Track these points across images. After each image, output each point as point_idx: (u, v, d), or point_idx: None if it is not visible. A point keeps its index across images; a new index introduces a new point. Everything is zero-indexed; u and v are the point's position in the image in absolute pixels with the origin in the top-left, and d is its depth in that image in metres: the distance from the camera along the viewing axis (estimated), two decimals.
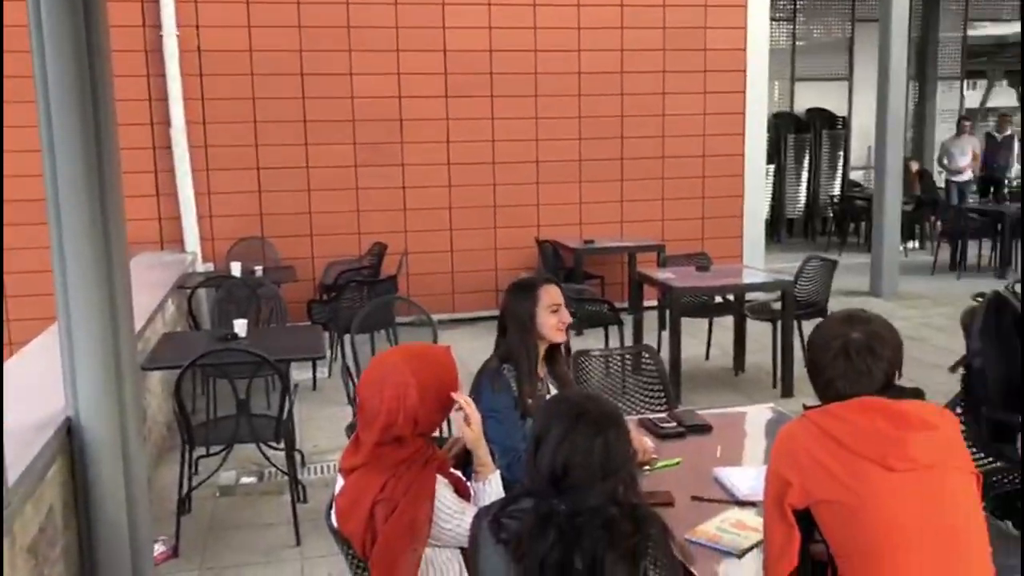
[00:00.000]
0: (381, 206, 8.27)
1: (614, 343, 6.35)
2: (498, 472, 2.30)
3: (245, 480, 4.80)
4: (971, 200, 12.61)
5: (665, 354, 5.91)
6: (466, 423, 2.26)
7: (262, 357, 3.99)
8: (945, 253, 10.99)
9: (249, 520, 4.39)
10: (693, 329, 7.12)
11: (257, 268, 7.00)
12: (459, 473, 2.37)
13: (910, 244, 12.34)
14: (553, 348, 2.97)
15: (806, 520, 1.97)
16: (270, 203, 8.04)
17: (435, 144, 8.33)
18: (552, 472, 1.80)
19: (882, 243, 9.28)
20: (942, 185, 12.89)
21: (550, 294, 2.92)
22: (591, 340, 7.01)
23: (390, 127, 8.21)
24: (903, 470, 1.89)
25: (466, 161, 8.41)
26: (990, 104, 19.13)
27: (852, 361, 2.01)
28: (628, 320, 6.73)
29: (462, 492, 2.27)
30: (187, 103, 7.64)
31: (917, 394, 2.03)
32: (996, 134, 13.24)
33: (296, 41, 7.89)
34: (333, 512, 2.25)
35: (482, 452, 2.28)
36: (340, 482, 2.26)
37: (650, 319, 7.04)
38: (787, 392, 6.02)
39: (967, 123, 13.20)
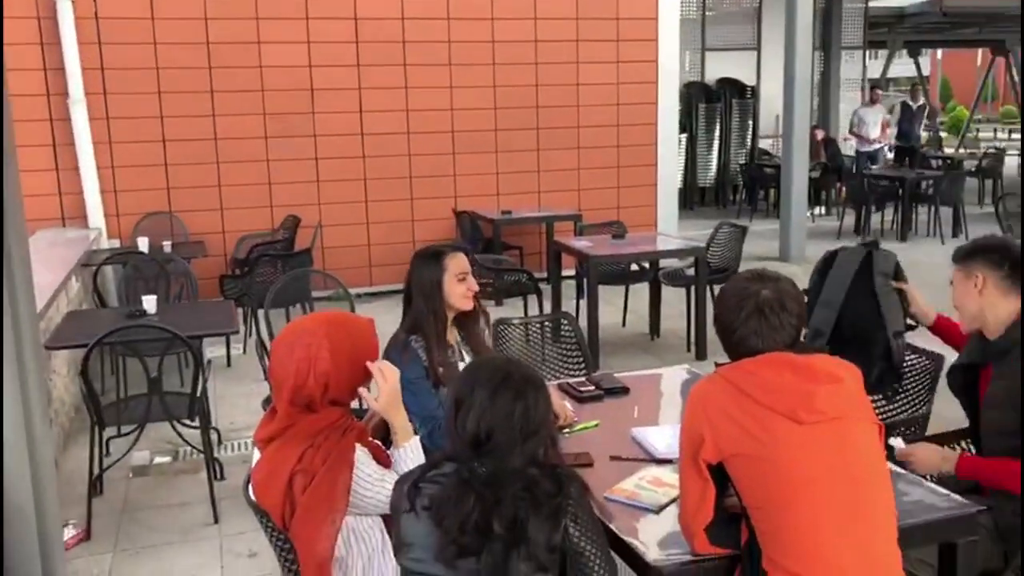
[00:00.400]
0: (293, 178, 8.10)
1: (533, 312, 6.40)
2: (416, 438, 2.30)
3: (159, 460, 4.70)
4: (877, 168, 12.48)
5: (584, 321, 6.00)
6: (378, 389, 2.24)
7: (172, 333, 3.88)
8: (851, 218, 11.38)
9: (165, 500, 4.29)
10: (610, 296, 7.23)
11: (166, 243, 6.80)
12: (379, 442, 2.36)
13: (817, 210, 12.72)
14: (464, 315, 2.97)
15: (720, 474, 2.03)
16: (178, 176, 7.79)
17: (348, 114, 8.18)
18: (474, 436, 1.81)
19: (790, 209, 9.56)
20: (851, 154, 12.87)
21: (457, 262, 2.91)
22: (510, 310, 7.06)
23: (300, 97, 8.03)
24: (811, 422, 1.96)
25: (380, 131, 8.30)
26: (890, 74, 19.81)
27: (766, 318, 2.06)
28: (547, 289, 6.79)
29: (382, 460, 2.26)
30: (86, 73, 7.33)
31: (821, 349, 2.10)
32: (911, 103, 13.31)
33: (201, 8, 7.63)
34: (251, 486, 2.22)
35: (397, 419, 2.27)
36: (257, 455, 2.23)
37: (568, 287, 7.11)
38: (701, 355, 6.17)
39: (878, 91, 13.07)
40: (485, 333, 3.09)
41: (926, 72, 22.03)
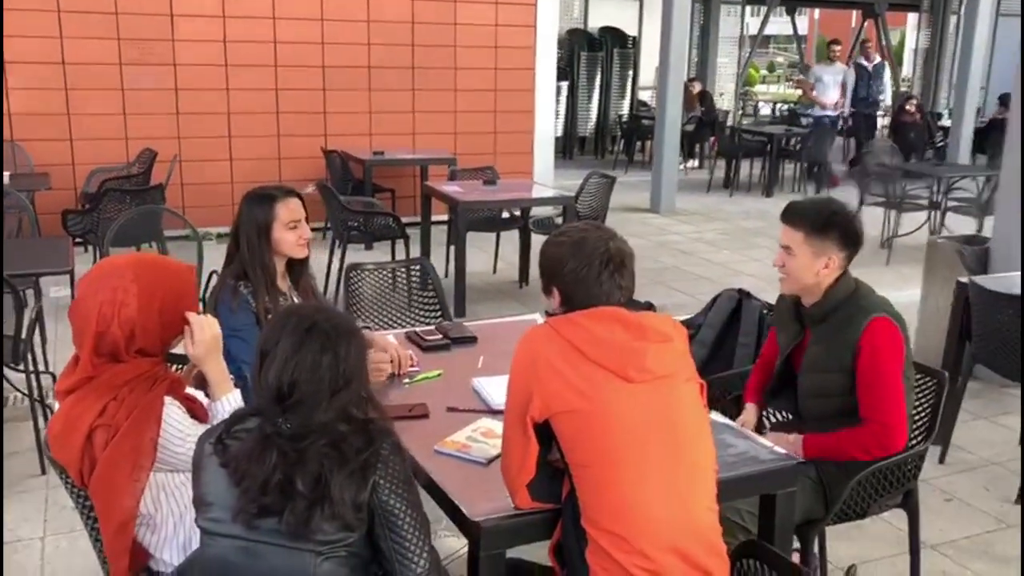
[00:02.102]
0: (151, 109, 7.64)
1: (400, 257, 6.27)
2: (237, 392, 2.17)
3: None
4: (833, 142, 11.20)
5: (453, 267, 5.92)
6: (191, 340, 2.09)
7: None
8: (721, 172, 11.63)
9: None
10: (481, 242, 7.16)
11: (4, 175, 6.30)
12: (198, 393, 2.22)
13: (690, 163, 12.96)
14: (295, 261, 2.84)
15: (544, 431, 1.98)
16: (20, 102, 7.22)
17: (211, 43, 7.74)
18: (277, 390, 1.70)
19: (661, 161, 9.67)
20: (809, 116, 11.55)
21: (289, 209, 2.76)
22: (379, 254, 6.91)
23: (159, 22, 7.54)
24: (640, 381, 1.93)
25: (246, 63, 7.90)
26: (768, 32, 20.21)
27: (611, 271, 1.99)
28: (417, 234, 6.66)
29: (198, 414, 2.13)
30: None
31: (650, 307, 2.07)
32: (864, 62, 11.73)
33: None
34: (48, 438, 2.05)
35: (214, 370, 2.13)
36: (57, 406, 2.06)
37: (440, 232, 7.00)
38: None
39: (837, 48, 11.60)
40: (313, 279, 2.96)
41: (803, 31, 22.58)
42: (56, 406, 2.08)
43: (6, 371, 3.86)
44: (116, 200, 5.93)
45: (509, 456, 2.02)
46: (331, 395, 1.71)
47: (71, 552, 3.24)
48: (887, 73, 12.06)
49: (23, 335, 3.79)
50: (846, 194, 9.04)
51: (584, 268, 1.99)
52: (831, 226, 2.56)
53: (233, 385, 2.21)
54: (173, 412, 2.04)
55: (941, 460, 3.93)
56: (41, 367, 4.31)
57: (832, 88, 11.11)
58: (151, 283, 2.03)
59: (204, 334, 2.11)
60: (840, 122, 11.61)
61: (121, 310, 1.98)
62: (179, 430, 2.04)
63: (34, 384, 3.92)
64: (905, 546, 2.97)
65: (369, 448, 1.71)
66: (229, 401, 2.14)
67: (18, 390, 4.10)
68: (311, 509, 1.65)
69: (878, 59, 11.96)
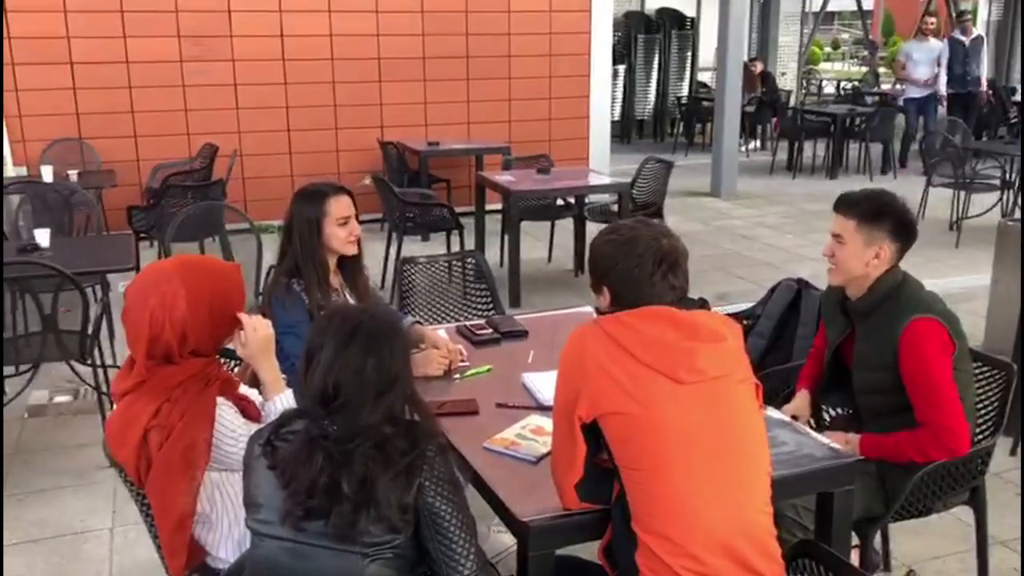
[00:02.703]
0: (211, 105, 7.77)
1: (456, 247, 6.28)
2: (289, 392, 2.19)
3: (59, 399, 4.53)
4: (931, 124, 10.19)
5: (506, 258, 5.91)
6: (242, 340, 2.12)
7: (56, 270, 3.69)
8: (783, 153, 11.39)
9: (62, 442, 4.14)
10: (537, 231, 7.14)
11: (72, 172, 6.48)
12: (252, 392, 2.25)
13: (752, 145, 12.71)
14: (347, 259, 2.86)
15: (593, 432, 1.95)
16: (87, 101, 7.42)
17: (268, 38, 7.84)
18: (322, 393, 1.71)
19: (722, 143, 9.50)
20: (906, 96, 10.80)
21: (340, 205, 2.78)
22: (436, 245, 6.94)
23: (217, 19, 7.65)
24: (691, 382, 1.88)
25: (302, 57, 7.97)
26: (830, 8, 19.70)
27: (663, 270, 1.94)
28: (472, 224, 6.66)
29: (251, 413, 2.16)
30: None
31: (703, 304, 2.01)
32: (962, 37, 10.72)
33: None
34: (105, 438, 2.11)
35: (266, 370, 2.16)
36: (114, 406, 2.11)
37: (494, 222, 6.99)
38: None
39: (931, 21, 10.79)
40: (368, 277, 2.98)
41: (868, 6, 21.94)
42: (113, 405, 2.13)
43: (76, 365, 3.98)
44: (178, 195, 6.06)
45: (557, 456, 2.00)
46: (376, 397, 1.72)
47: (138, 543, 3.33)
48: (986, 49, 10.95)
49: (89, 331, 3.90)
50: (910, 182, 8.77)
51: (636, 268, 1.94)
52: (883, 215, 2.49)
53: (285, 384, 2.23)
54: (225, 412, 2.07)
55: (1012, 452, 3.80)
56: (108, 361, 4.43)
57: (923, 66, 10.39)
58: (198, 284, 2.06)
59: (256, 334, 2.13)
60: (934, 103, 10.62)
61: (172, 313, 2.01)
62: (231, 430, 2.07)
63: (101, 378, 4.04)
64: (972, 541, 2.88)
65: (414, 450, 1.71)
66: (281, 401, 2.16)
67: (87, 383, 4.23)
68: (357, 511, 1.66)
69: (977, 33, 10.89)
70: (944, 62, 10.35)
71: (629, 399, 1.88)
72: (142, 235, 6.17)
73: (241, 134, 7.88)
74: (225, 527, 2.14)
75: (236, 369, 2.62)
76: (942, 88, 10.44)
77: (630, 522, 1.91)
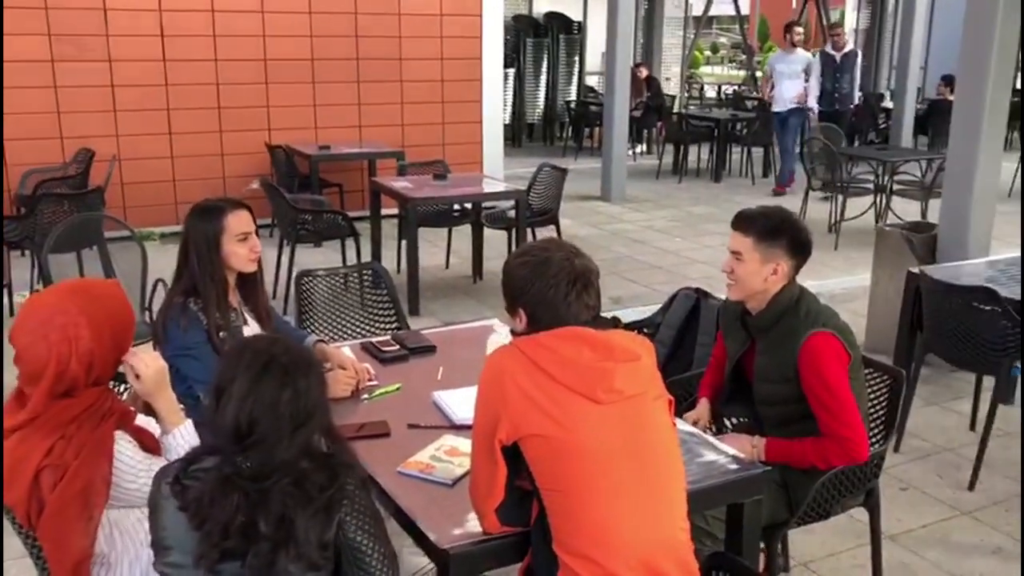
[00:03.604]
0: (86, 107, 7.40)
1: (351, 255, 6.18)
2: (189, 422, 2.09)
3: None
4: (790, 141, 9.79)
5: (405, 263, 5.84)
6: (135, 377, 2.01)
7: None
8: (669, 157, 11.67)
9: None
10: (433, 237, 7.10)
11: None
12: (149, 421, 2.14)
13: (639, 149, 12.98)
14: (245, 275, 2.76)
15: (513, 454, 1.94)
16: None
17: (147, 38, 7.51)
18: (236, 429, 1.64)
19: (611, 148, 9.66)
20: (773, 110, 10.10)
21: (239, 220, 2.66)
22: (329, 251, 6.80)
23: (92, 17, 7.29)
24: (608, 402, 1.90)
25: (184, 58, 7.68)
26: (712, 12, 20.30)
27: (577, 291, 1.96)
28: (367, 229, 6.56)
29: (149, 446, 2.05)
30: None
31: (616, 323, 2.03)
32: (833, 51, 10.04)
33: None
34: None
35: (163, 403, 2.05)
36: None
37: (390, 227, 6.90)
38: None
39: (798, 31, 10.11)
40: (265, 293, 2.88)
41: (745, 11, 22.74)
42: None
43: None
44: (53, 204, 5.72)
45: (477, 480, 1.98)
46: (292, 432, 1.65)
47: None
48: (859, 64, 10.30)
49: None
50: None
51: (551, 289, 1.95)
52: (780, 232, 2.56)
53: (184, 415, 2.13)
54: (124, 447, 1.96)
55: (896, 448, 3.99)
56: None
57: (788, 79, 9.80)
58: (95, 309, 1.95)
59: (148, 369, 2.02)
60: (801, 117, 9.97)
61: (77, 344, 1.89)
62: (131, 466, 1.96)
63: None
64: (864, 537, 3.02)
65: (333, 484, 1.66)
66: (181, 433, 2.06)
67: None
68: (276, 551, 1.60)
69: (850, 47, 10.32)
70: (814, 75, 9.84)
71: (549, 420, 1.88)
72: (13, 246, 5.80)
73: (119, 137, 7.53)
74: (125, 567, 2.03)
75: (126, 394, 2.48)
76: (811, 101, 9.87)
77: (551, 544, 1.91)
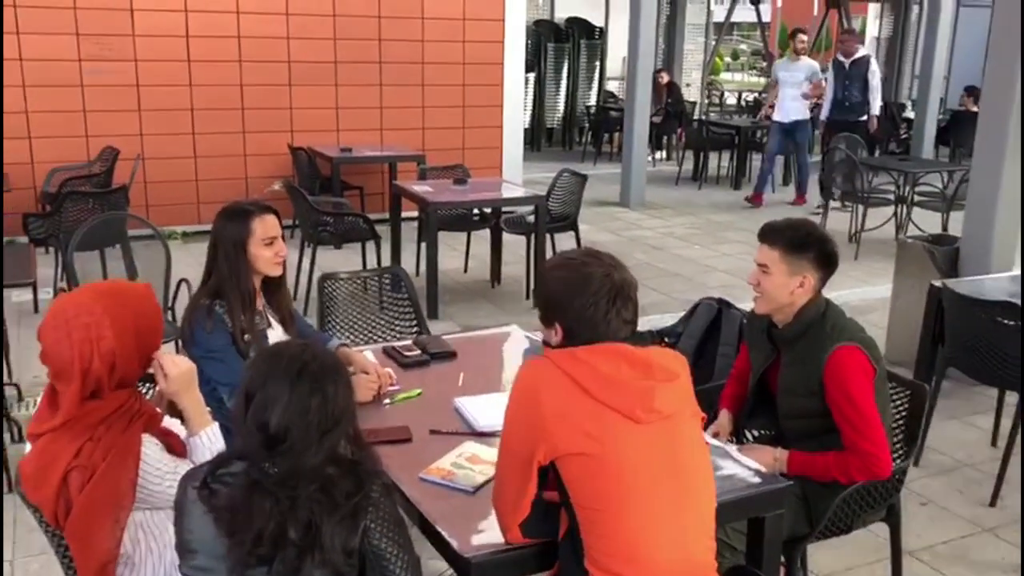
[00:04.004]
0: (111, 106, 7.47)
1: (371, 257, 6.20)
2: (215, 425, 2.11)
3: None
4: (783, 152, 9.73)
5: (424, 267, 5.85)
6: (163, 377, 2.03)
7: None
8: (689, 164, 11.65)
9: None
10: (452, 241, 7.11)
11: None
12: (175, 423, 2.16)
13: (658, 155, 12.96)
14: (270, 279, 2.78)
15: (544, 470, 1.91)
16: None
17: (173, 38, 7.58)
18: (267, 435, 1.65)
19: (631, 154, 9.65)
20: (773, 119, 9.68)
21: (265, 225, 2.68)
22: (350, 253, 6.83)
23: (119, 17, 7.36)
24: (647, 422, 1.87)
25: (209, 59, 7.74)
26: (733, 19, 20.29)
27: (616, 306, 1.91)
28: (387, 231, 6.58)
29: (176, 448, 2.07)
30: None
31: (654, 338, 2.02)
32: (842, 58, 9.53)
33: None
34: (20, 477, 1.98)
35: (190, 404, 2.07)
36: (27, 447, 1.98)
37: (410, 230, 6.93)
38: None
39: (802, 39, 9.60)
40: (289, 296, 2.91)
41: (766, 18, 22.69)
42: (26, 447, 2.00)
43: None
44: (77, 202, 5.78)
45: (503, 495, 1.96)
46: (320, 438, 1.67)
47: (43, 574, 3.16)
48: (875, 72, 9.47)
49: None
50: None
51: (591, 306, 1.90)
52: (808, 245, 2.55)
53: (211, 417, 2.15)
54: (150, 449, 1.98)
55: (916, 463, 3.96)
56: (5, 378, 4.20)
57: (791, 88, 9.42)
58: (120, 311, 1.97)
59: (177, 368, 2.05)
60: (803, 129, 9.63)
61: (99, 344, 1.91)
62: (157, 468, 1.98)
63: None
64: (885, 552, 3.00)
65: (359, 492, 1.67)
66: (208, 435, 2.08)
67: None
68: (302, 557, 1.61)
69: (861, 52, 9.58)
70: (818, 83, 9.51)
71: (588, 439, 1.84)
72: (38, 243, 5.86)
73: (143, 136, 7.59)
74: (148, 568, 2.05)
75: (150, 394, 2.51)
76: (824, 110, 9.59)
77: (582, 560, 1.89)
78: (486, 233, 6.83)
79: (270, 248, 2.69)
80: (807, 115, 9.57)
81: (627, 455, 1.85)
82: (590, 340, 1.92)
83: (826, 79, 9.53)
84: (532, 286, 6.25)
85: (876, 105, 9.55)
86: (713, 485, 2.00)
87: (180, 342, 3.46)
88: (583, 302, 1.91)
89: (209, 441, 2.07)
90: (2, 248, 4.26)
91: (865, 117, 9.50)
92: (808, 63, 9.61)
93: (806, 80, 9.43)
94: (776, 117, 9.62)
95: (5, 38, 7.01)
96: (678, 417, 1.92)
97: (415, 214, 6.86)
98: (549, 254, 6.23)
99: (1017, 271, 4.70)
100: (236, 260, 2.65)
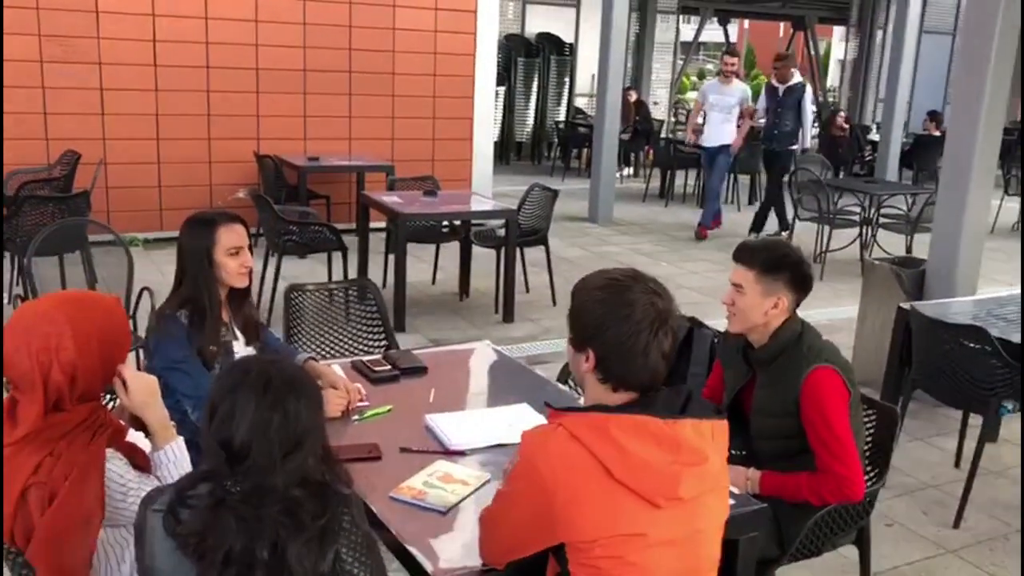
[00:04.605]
0: (74, 109, 7.32)
1: (337, 268, 6.13)
2: (180, 440, 2.04)
3: None
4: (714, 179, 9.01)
5: (391, 278, 5.79)
6: (124, 389, 1.97)
7: None
8: (656, 181, 11.72)
9: None
10: (421, 252, 7.06)
11: None
12: (138, 436, 2.08)
13: (626, 171, 13.03)
14: (235, 290, 2.72)
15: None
16: None
17: (138, 42, 7.46)
18: (230, 452, 1.59)
19: (600, 170, 9.68)
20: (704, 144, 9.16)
21: (231, 234, 2.63)
22: (315, 263, 6.75)
23: (84, 19, 7.23)
24: (667, 508, 1.73)
25: (175, 64, 7.63)
26: (702, 39, 20.51)
27: (661, 342, 1.74)
28: (354, 242, 6.51)
29: (141, 462, 2.00)
30: None
31: (690, 396, 1.87)
32: (776, 83, 8.81)
33: None
34: None
35: (154, 418, 2.00)
36: None
37: (377, 240, 6.86)
38: (508, 317, 6.13)
39: (731, 62, 9.02)
40: (254, 309, 2.85)
41: (734, 39, 22.97)
42: None
43: None
44: (36, 207, 5.64)
45: (497, 542, 1.87)
46: (283, 458, 1.61)
47: None
48: (808, 102, 8.85)
49: None
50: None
51: (631, 337, 1.73)
52: (782, 267, 2.55)
53: (175, 431, 2.08)
54: (114, 465, 1.91)
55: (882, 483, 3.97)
56: None
57: (719, 113, 8.84)
58: (84, 322, 1.90)
59: (139, 381, 1.99)
60: (730, 158, 9.12)
61: (59, 355, 1.84)
62: (121, 484, 1.91)
63: None
64: (852, 572, 2.99)
65: (326, 514, 1.61)
66: (173, 450, 2.01)
67: None
68: None
69: (796, 79, 8.81)
70: (749, 109, 8.96)
71: (599, 527, 1.70)
72: None
73: (106, 141, 7.46)
74: None
75: (112, 407, 2.43)
76: (726, 137, 8.92)
77: None
78: (454, 246, 6.79)
79: (236, 259, 2.64)
80: (731, 139, 9.00)
81: (639, 539, 1.71)
82: (624, 375, 1.77)
83: (756, 108, 9.07)
84: (503, 300, 6.20)
85: (807, 138, 9.00)
86: (718, 553, 1.89)
87: (140, 352, 3.38)
88: (622, 331, 1.74)
89: (174, 455, 2.00)
90: None
91: (795, 146, 8.84)
92: (739, 86, 9.05)
93: (737, 105, 8.87)
94: (703, 142, 9.16)
95: None
96: (700, 499, 1.77)
97: (382, 225, 6.81)
98: (519, 268, 6.20)
99: (980, 295, 4.77)
100: (202, 270, 2.59)
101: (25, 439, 1.84)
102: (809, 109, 8.88)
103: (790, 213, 8.65)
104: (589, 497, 1.68)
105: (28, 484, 1.80)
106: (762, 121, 9.02)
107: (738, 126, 8.99)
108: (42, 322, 1.86)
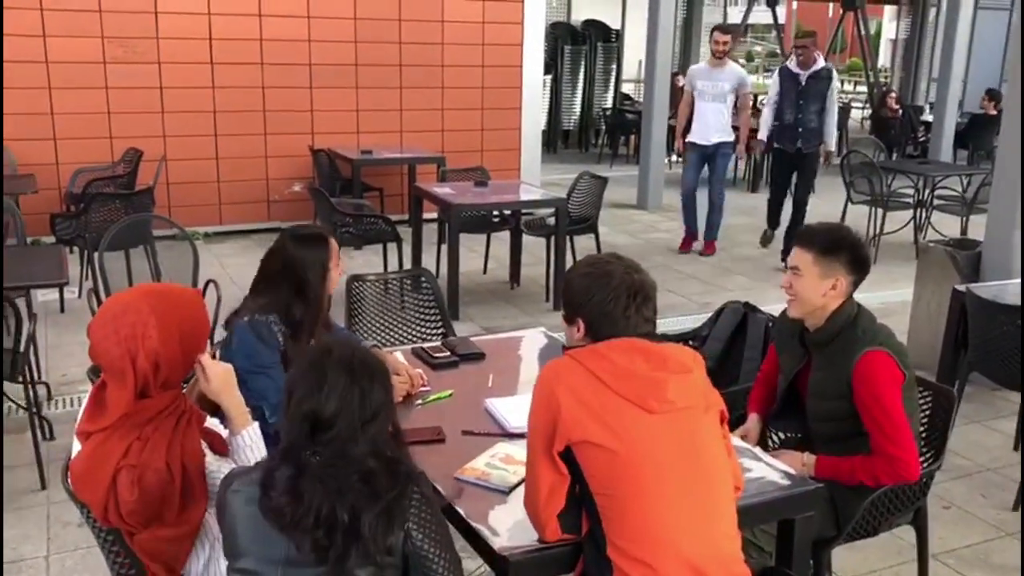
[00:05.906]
0: (135, 108, 7.55)
1: (392, 258, 6.25)
2: (255, 425, 2.15)
3: None
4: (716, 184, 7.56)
5: (444, 268, 5.88)
6: (204, 376, 2.10)
7: None
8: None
9: None
10: (471, 242, 7.15)
11: None
12: (213, 422, 2.20)
13: (674, 157, 12.95)
14: None
15: (568, 460, 1.99)
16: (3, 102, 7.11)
17: (196, 41, 7.66)
18: (314, 422, 1.70)
19: (649, 156, 9.67)
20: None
21: (335, 248, 2.79)
22: (370, 254, 6.88)
23: (143, 20, 7.44)
24: (660, 412, 1.95)
25: (231, 61, 7.81)
26: (751, 21, 20.25)
27: (636, 305, 2.02)
28: (408, 232, 6.63)
29: (217, 447, 2.11)
30: None
31: (670, 338, 2.07)
32: (797, 69, 7.06)
33: None
34: (69, 476, 2.03)
35: (231, 403, 2.12)
36: (76, 446, 2.03)
37: (430, 231, 6.97)
38: (559, 305, 6.18)
39: (722, 40, 7.30)
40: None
41: (782, 20, 22.65)
42: (75, 446, 2.05)
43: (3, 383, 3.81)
44: (104, 204, 5.85)
45: (537, 489, 2.01)
46: (362, 426, 1.72)
47: (78, 570, 3.22)
48: (835, 94, 7.18)
49: (20, 348, 3.74)
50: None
51: (611, 301, 2.01)
52: (841, 248, 2.59)
53: (251, 417, 2.19)
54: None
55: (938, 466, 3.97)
56: (35, 376, 4.26)
57: (711, 102, 7.38)
58: (167, 313, 2.01)
59: (216, 369, 2.10)
60: (729, 157, 7.76)
61: (144, 343, 1.96)
62: (206, 466, 2.02)
63: (31, 395, 3.88)
64: (908, 555, 3.03)
65: (395, 488, 1.71)
66: (249, 434, 2.13)
67: (14, 402, 4.06)
68: (347, 547, 1.65)
69: (820, 63, 7.05)
70: (746, 96, 7.65)
71: (602, 428, 1.93)
72: (65, 243, 5.94)
73: (166, 138, 7.67)
74: (200, 565, 2.09)
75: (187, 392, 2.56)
76: (725, 132, 7.49)
77: (604, 550, 1.95)
78: (504, 234, 6.88)
79: (337, 269, 2.77)
80: (731, 136, 7.55)
81: (640, 444, 1.93)
82: (610, 335, 2.01)
83: (763, 100, 7.60)
84: (552, 288, 6.28)
85: (832, 140, 7.23)
86: (730, 477, 2.05)
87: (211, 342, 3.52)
88: (603, 297, 2.01)
89: (251, 439, 2.11)
90: (2, 248, 4.32)
91: (818, 147, 7.19)
92: (734, 69, 7.51)
93: (732, 92, 7.43)
94: (693, 138, 7.56)
95: (32, 41, 7.11)
96: (693, 410, 2.00)
97: (434, 216, 6.91)
98: (569, 256, 6.27)
99: None
100: (318, 283, 2.70)
101: (114, 425, 1.96)
102: (835, 104, 7.22)
103: (843, 197, 8.56)
104: (590, 401, 1.94)
105: (119, 467, 1.93)
106: (766, 114, 7.35)
107: (735, 127, 7.59)
108: (128, 312, 1.98)
